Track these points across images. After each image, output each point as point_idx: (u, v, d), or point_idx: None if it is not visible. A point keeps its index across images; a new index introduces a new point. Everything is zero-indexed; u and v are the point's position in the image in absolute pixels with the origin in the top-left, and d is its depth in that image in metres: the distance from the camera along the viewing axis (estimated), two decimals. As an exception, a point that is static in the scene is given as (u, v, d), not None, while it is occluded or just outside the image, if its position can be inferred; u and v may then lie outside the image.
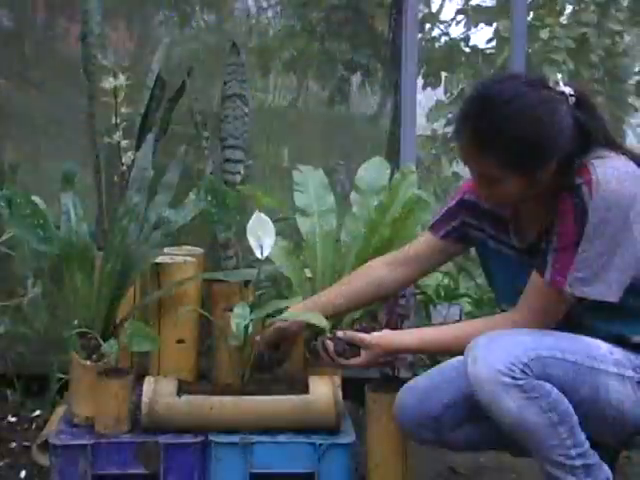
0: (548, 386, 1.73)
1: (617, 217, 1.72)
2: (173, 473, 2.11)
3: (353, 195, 2.54)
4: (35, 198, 2.17)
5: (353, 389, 2.39)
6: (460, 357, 1.85)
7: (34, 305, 2.36)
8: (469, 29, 5.13)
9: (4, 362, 2.91)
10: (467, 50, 5.09)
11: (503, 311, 2.00)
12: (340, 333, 2.07)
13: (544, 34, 4.62)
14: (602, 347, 1.82)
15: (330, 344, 2.06)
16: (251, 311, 2.17)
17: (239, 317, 2.16)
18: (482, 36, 5.11)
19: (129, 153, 2.36)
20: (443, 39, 5.19)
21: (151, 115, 2.59)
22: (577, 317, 1.85)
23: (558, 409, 1.74)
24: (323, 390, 2.17)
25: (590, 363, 1.78)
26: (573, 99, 1.79)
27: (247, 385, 2.22)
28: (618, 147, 1.83)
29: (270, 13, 3.61)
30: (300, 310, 2.17)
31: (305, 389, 2.17)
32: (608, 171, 1.74)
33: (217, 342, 2.41)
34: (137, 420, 2.15)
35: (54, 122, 3.37)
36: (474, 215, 2.06)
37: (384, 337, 2.03)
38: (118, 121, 2.34)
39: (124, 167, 2.37)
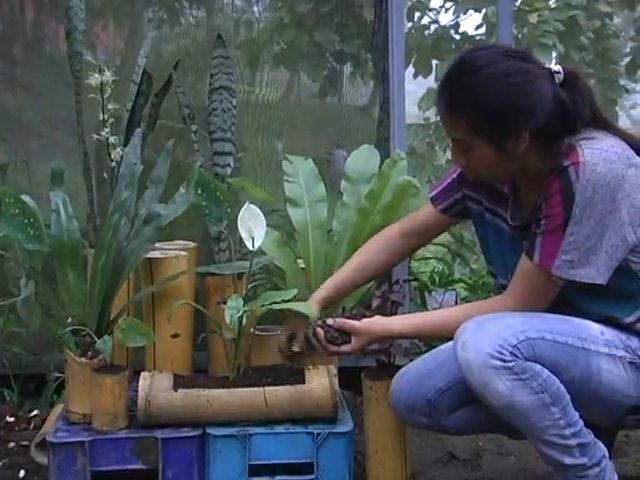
0: (538, 367, 1.74)
1: (604, 199, 1.71)
2: (172, 467, 2.11)
3: (343, 184, 2.54)
4: (25, 197, 2.17)
5: (350, 378, 2.39)
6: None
7: (27, 305, 2.35)
8: (458, 16, 5.14)
9: (1, 362, 2.91)
10: (457, 37, 5.09)
11: (502, 286, 2.00)
12: (330, 320, 2.07)
13: (533, 18, 4.63)
14: (593, 328, 1.82)
15: (320, 331, 2.07)
16: (245, 303, 2.17)
17: (233, 309, 2.16)
18: (471, 22, 5.12)
19: (118, 149, 2.36)
20: (433, 27, 5.20)
21: (138, 110, 2.58)
22: (568, 300, 1.85)
23: (550, 389, 1.74)
24: (319, 380, 2.17)
25: (581, 344, 1.78)
26: (560, 77, 1.79)
27: (243, 377, 2.22)
28: (610, 127, 1.83)
29: (258, 6, 3.60)
30: (320, 294, 2.20)
31: (301, 379, 2.17)
32: (595, 152, 1.73)
33: (212, 335, 2.41)
34: (134, 416, 2.14)
35: (44, 122, 3.37)
36: (474, 188, 2.07)
37: (374, 323, 2.03)
38: (105, 117, 2.34)
39: (113, 163, 2.37)
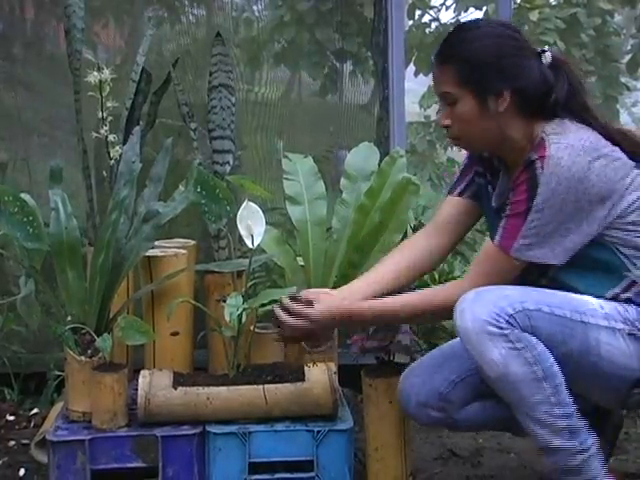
0: (534, 340, 1.76)
1: (567, 190, 1.77)
2: (172, 465, 2.11)
3: (343, 181, 2.54)
4: (24, 196, 2.17)
5: (350, 375, 2.39)
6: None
7: (27, 303, 2.35)
8: (459, 14, 5.14)
9: (1, 361, 2.91)
10: (458, 35, 5.08)
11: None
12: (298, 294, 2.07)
13: (534, 16, 4.63)
14: (592, 302, 1.84)
15: (288, 303, 2.06)
16: (244, 301, 2.17)
17: (233, 307, 2.16)
18: (472, 20, 5.11)
19: (117, 147, 2.36)
20: (433, 25, 5.19)
21: (137, 108, 2.58)
22: (555, 279, 1.89)
23: (543, 364, 1.76)
24: (319, 377, 2.17)
25: (579, 317, 1.80)
26: (547, 59, 1.89)
27: (243, 375, 2.22)
28: (591, 118, 1.89)
29: (258, 4, 3.60)
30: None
31: (301, 377, 2.17)
32: (561, 146, 1.80)
33: (211, 333, 2.41)
34: (134, 414, 2.14)
35: (44, 121, 3.37)
36: (480, 161, 2.10)
37: (341, 292, 2.04)
38: (105, 115, 2.34)
39: (112, 161, 2.36)
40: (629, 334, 1.82)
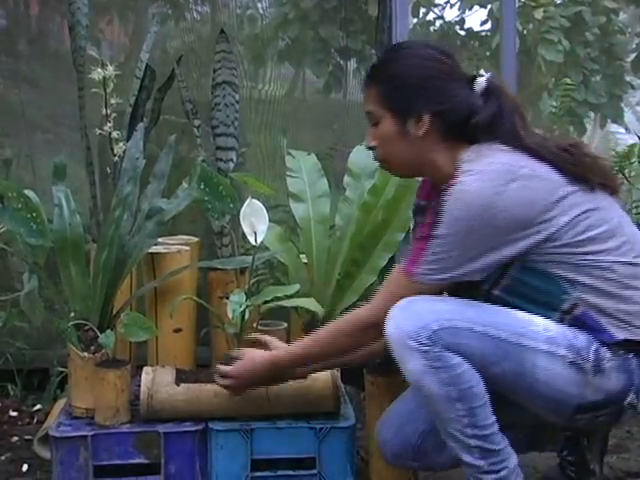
0: (455, 360, 1.71)
1: (471, 218, 1.71)
2: (174, 462, 2.12)
3: (346, 179, 2.54)
4: (28, 192, 2.17)
5: (352, 373, 2.39)
6: None
7: (30, 299, 2.35)
8: (464, 12, 5.13)
9: (4, 357, 2.92)
10: (462, 33, 5.08)
11: None
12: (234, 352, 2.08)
13: (538, 14, 4.62)
14: (537, 324, 1.76)
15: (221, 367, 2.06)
16: (247, 298, 2.17)
17: (236, 304, 2.16)
18: (477, 18, 5.10)
19: (120, 144, 2.36)
20: (438, 23, 5.18)
21: (141, 105, 2.58)
22: (505, 301, 1.81)
23: (460, 386, 1.71)
24: (321, 375, 2.16)
25: (516, 339, 1.73)
26: (481, 85, 1.83)
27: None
28: (520, 141, 1.79)
29: (263, 2, 3.60)
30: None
31: (303, 374, 2.17)
32: (470, 173, 1.74)
33: (214, 330, 2.41)
34: (137, 410, 2.15)
35: (48, 117, 3.38)
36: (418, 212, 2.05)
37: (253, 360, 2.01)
38: (108, 112, 2.34)
39: (116, 158, 2.37)
40: (571, 362, 1.73)
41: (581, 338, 1.75)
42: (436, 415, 1.76)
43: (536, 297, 1.77)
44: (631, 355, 1.75)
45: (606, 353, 1.74)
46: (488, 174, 1.73)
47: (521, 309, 1.78)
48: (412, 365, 1.71)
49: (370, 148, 1.94)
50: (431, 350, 1.70)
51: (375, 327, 1.81)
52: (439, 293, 1.83)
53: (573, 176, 1.77)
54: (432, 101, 1.81)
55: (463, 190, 1.72)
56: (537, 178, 1.74)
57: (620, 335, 1.73)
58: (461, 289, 1.83)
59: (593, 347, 1.73)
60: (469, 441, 1.74)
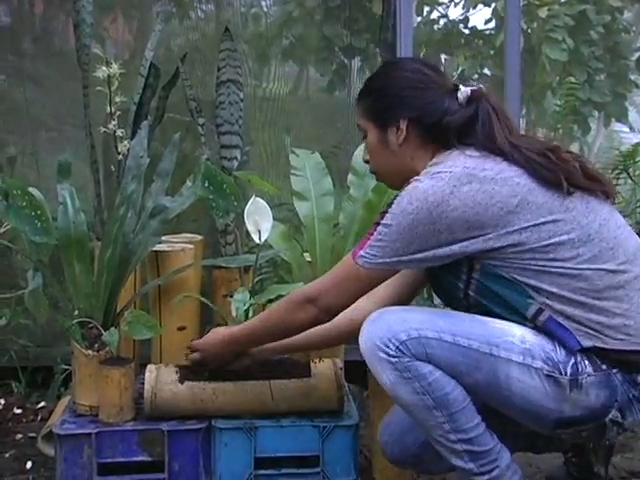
0: (426, 369, 1.69)
1: (417, 211, 1.70)
2: (178, 460, 2.12)
3: (350, 177, 2.54)
4: (32, 190, 2.18)
5: (356, 372, 2.39)
6: None
7: (35, 297, 2.36)
8: (468, 10, 5.11)
9: (9, 355, 2.92)
10: (466, 32, 5.07)
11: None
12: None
13: (543, 13, 4.60)
14: (513, 334, 1.72)
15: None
16: (251, 296, 2.17)
17: (239, 302, 2.17)
18: (481, 17, 5.09)
19: (125, 142, 2.36)
20: (442, 21, 5.17)
21: (146, 103, 2.58)
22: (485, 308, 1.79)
23: (434, 394, 1.69)
24: (325, 373, 2.17)
25: (488, 349, 1.70)
26: (465, 95, 1.84)
27: (249, 370, 2.22)
28: (495, 146, 1.78)
29: (267, 0, 3.61)
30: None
31: (307, 372, 2.17)
32: (428, 174, 1.75)
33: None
34: (140, 408, 2.15)
35: (53, 115, 3.38)
36: None
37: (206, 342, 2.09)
38: (113, 110, 2.34)
39: (120, 156, 2.37)
40: (547, 375, 1.69)
41: (561, 352, 1.71)
42: (418, 423, 1.75)
43: (503, 302, 1.75)
44: (615, 370, 1.70)
45: (587, 368, 1.69)
46: (446, 175, 1.73)
47: (495, 313, 1.76)
48: (385, 377, 1.71)
49: (367, 162, 1.97)
50: (400, 361, 1.69)
51: (313, 302, 1.83)
52: (413, 291, 1.97)
53: (546, 181, 1.73)
54: (408, 108, 1.84)
55: (417, 187, 1.73)
56: (499, 182, 1.71)
57: (587, 343, 1.69)
58: (441, 289, 1.86)
59: (572, 361, 1.70)
60: (455, 446, 1.73)
